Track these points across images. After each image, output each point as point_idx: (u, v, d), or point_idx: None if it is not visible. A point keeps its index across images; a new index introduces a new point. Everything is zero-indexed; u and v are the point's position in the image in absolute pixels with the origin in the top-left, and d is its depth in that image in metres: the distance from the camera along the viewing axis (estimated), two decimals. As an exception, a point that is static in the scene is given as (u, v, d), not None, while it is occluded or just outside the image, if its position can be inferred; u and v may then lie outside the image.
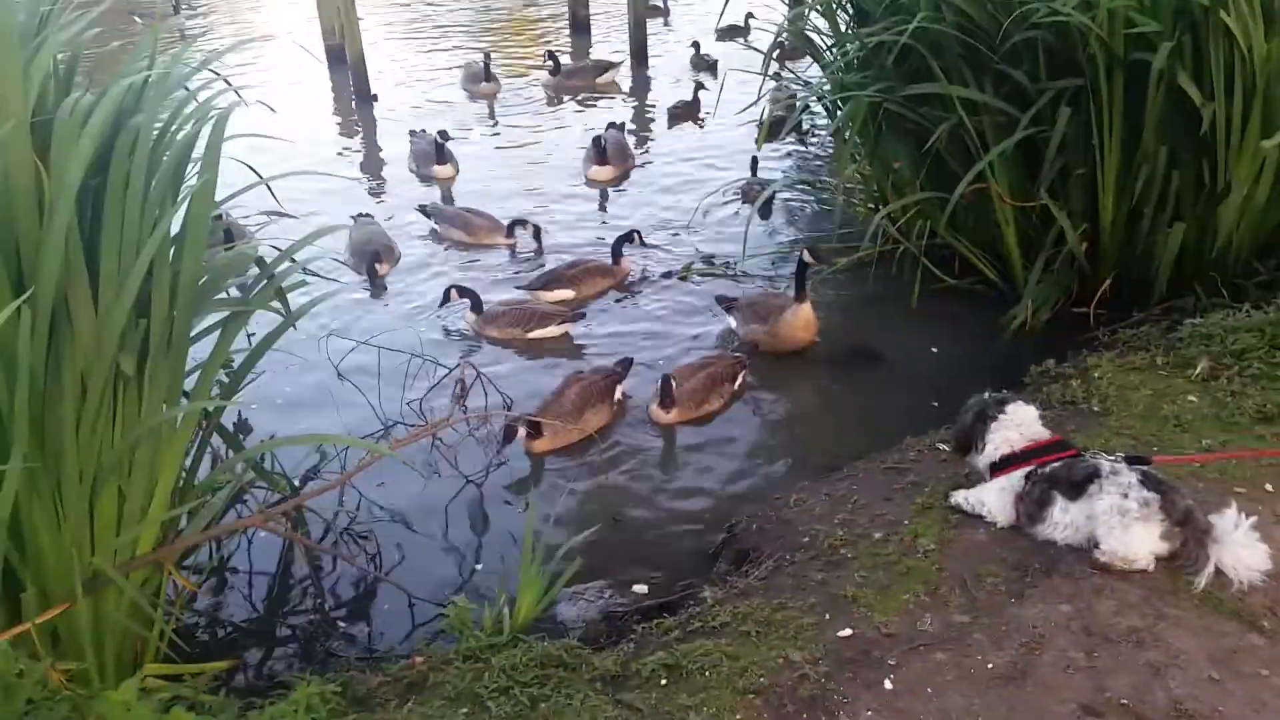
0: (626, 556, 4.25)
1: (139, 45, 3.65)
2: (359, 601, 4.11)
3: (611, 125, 9.50)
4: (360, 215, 7.57)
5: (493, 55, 12.30)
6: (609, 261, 6.93)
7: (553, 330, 6.23)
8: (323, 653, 3.80)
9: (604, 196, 8.62)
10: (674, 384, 5.17)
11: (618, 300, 6.76)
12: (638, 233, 7.18)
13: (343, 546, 4.28)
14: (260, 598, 4.14)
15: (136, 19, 14.15)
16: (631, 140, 9.57)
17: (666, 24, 14.75)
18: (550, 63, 11.90)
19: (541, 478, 4.91)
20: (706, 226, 7.73)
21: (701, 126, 10.30)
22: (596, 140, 8.81)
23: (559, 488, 4.78)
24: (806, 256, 5.72)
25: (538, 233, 7.51)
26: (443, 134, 9.04)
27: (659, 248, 7.42)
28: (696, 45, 12.48)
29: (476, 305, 6.32)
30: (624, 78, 12.25)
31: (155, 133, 3.30)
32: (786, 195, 8.18)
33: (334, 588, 4.17)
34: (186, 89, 3.58)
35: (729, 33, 12.27)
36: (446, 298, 6.37)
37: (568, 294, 6.67)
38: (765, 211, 7.82)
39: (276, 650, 3.86)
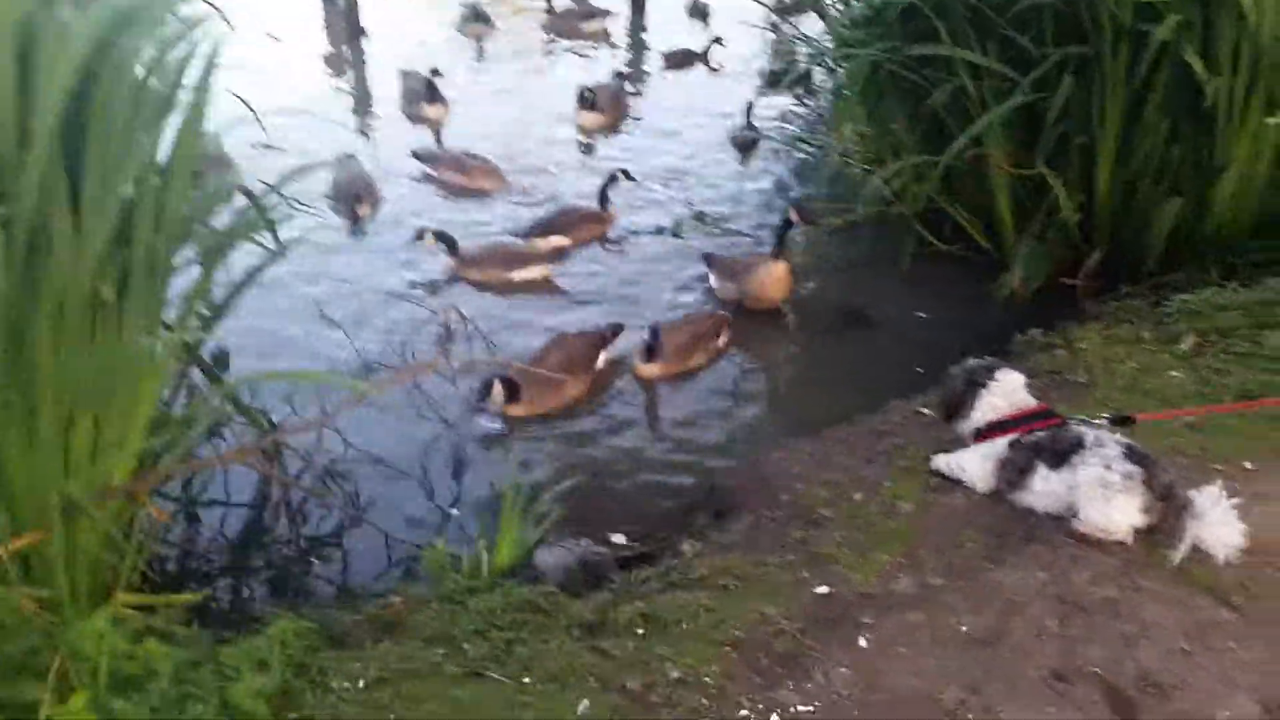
0: (605, 507, 4.25)
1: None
2: (335, 540, 4.09)
3: (617, 75, 9.38)
4: (345, 156, 7.45)
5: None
6: (596, 207, 6.87)
7: (536, 272, 6.17)
8: (297, 590, 3.80)
9: (592, 143, 8.51)
10: (658, 333, 5.10)
11: (605, 247, 6.70)
12: (624, 171, 7.07)
13: (320, 484, 4.25)
14: (234, 533, 4.12)
15: None
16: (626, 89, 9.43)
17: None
18: (548, 1, 11.71)
19: (523, 426, 4.88)
20: (700, 180, 7.65)
21: (715, 70, 10.22)
22: (584, 91, 8.67)
23: (540, 436, 4.76)
24: (793, 215, 5.67)
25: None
26: (434, 72, 8.86)
27: (652, 194, 7.35)
28: None
29: (453, 248, 6.22)
30: (616, 25, 12.02)
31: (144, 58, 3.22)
32: (780, 149, 8.10)
33: (310, 526, 4.15)
34: (175, 15, 3.49)
35: None
36: (419, 236, 6.17)
37: (563, 241, 6.61)
38: (745, 156, 7.79)
39: (250, 585, 3.86)
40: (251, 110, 3.67)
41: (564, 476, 4.39)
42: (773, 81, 8.16)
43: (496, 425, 4.86)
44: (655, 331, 5.09)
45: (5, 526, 2.92)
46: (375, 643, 3.05)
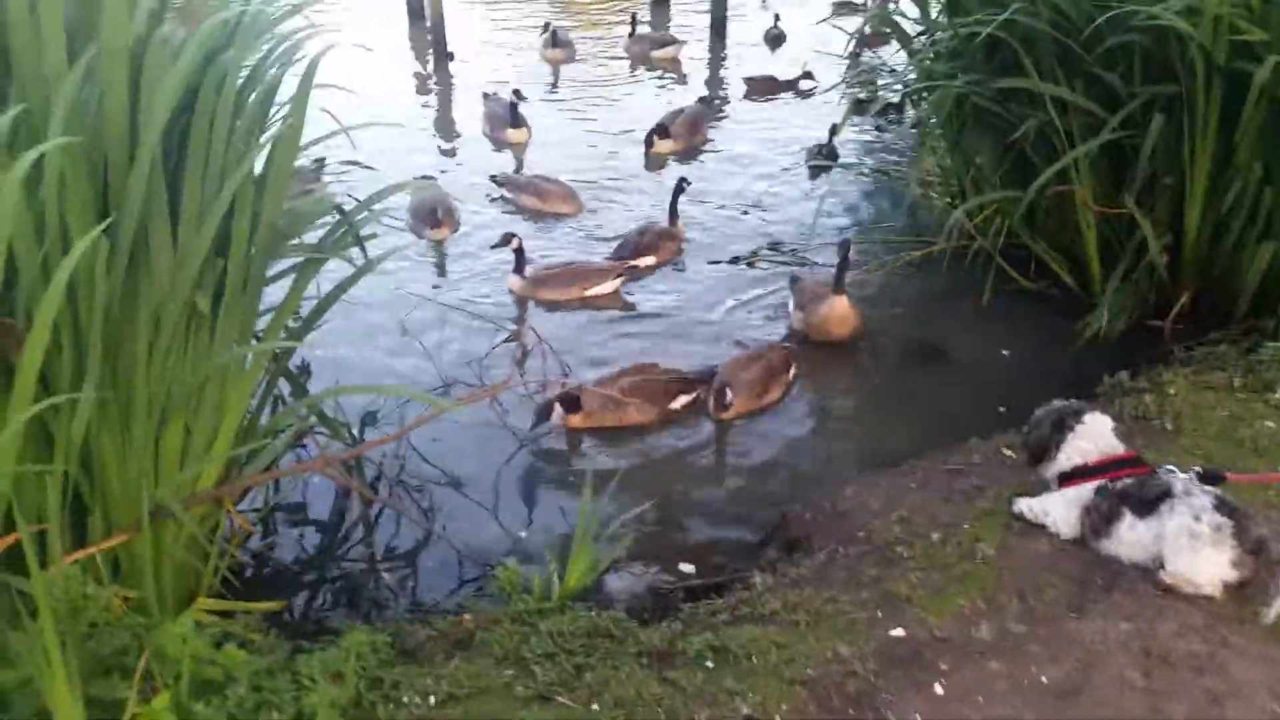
0: (674, 535, 4.24)
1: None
2: (408, 554, 4.13)
3: (700, 100, 9.45)
4: (422, 178, 7.56)
5: (571, 23, 12.31)
6: (668, 225, 7.00)
7: (608, 286, 6.25)
8: (371, 602, 3.84)
9: (664, 168, 8.55)
10: (728, 392, 4.94)
11: (676, 267, 6.76)
12: (684, 180, 7.19)
13: (397, 498, 4.30)
14: (312, 542, 4.19)
15: None
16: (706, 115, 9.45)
17: (764, 4, 14.17)
18: (631, 26, 11.98)
19: (595, 450, 4.89)
20: (777, 208, 7.63)
21: (805, 96, 10.34)
22: (657, 126, 8.76)
23: (611, 462, 4.76)
24: (851, 253, 5.64)
25: None
26: (517, 94, 9.00)
27: (729, 221, 7.41)
28: (776, 16, 12.48)
29: (519, 267, 6.26)
30: (696, 52, 12.10)
31: (244, 73, 3.32)
32: (859, 181, 8.07)
33: (384, 538, 4.20)
34: (274, 33, 3.59)
35: (843, 7, 12.31)
36: (505, 242, 6.20)
37: (650, 260, 6.72)
38: (815, 173, 7.96)
39: (325, 595, 3.91)
40: (343, 128, 3.75)
41: (635, 503, 4.39)
42: (855, 111, 8.15)
43: (571, 441, 4.88)
44: (722, 393, 4.95)
45: (99, 526, 3.00)
46: (446, 659, 3.07)
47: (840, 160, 8.45)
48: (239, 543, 3.77)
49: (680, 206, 7.09)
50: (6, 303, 2.81)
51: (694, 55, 12.06)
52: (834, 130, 8.29)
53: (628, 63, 11.67)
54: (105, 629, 2.55)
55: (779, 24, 12.44)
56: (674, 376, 5.20)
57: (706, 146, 9.06)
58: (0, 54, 2.94)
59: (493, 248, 6.28)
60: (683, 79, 11.22)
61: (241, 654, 2.73)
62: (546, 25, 11.70)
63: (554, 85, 10.87)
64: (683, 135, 8.83)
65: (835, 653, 2.99)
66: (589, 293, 6.24)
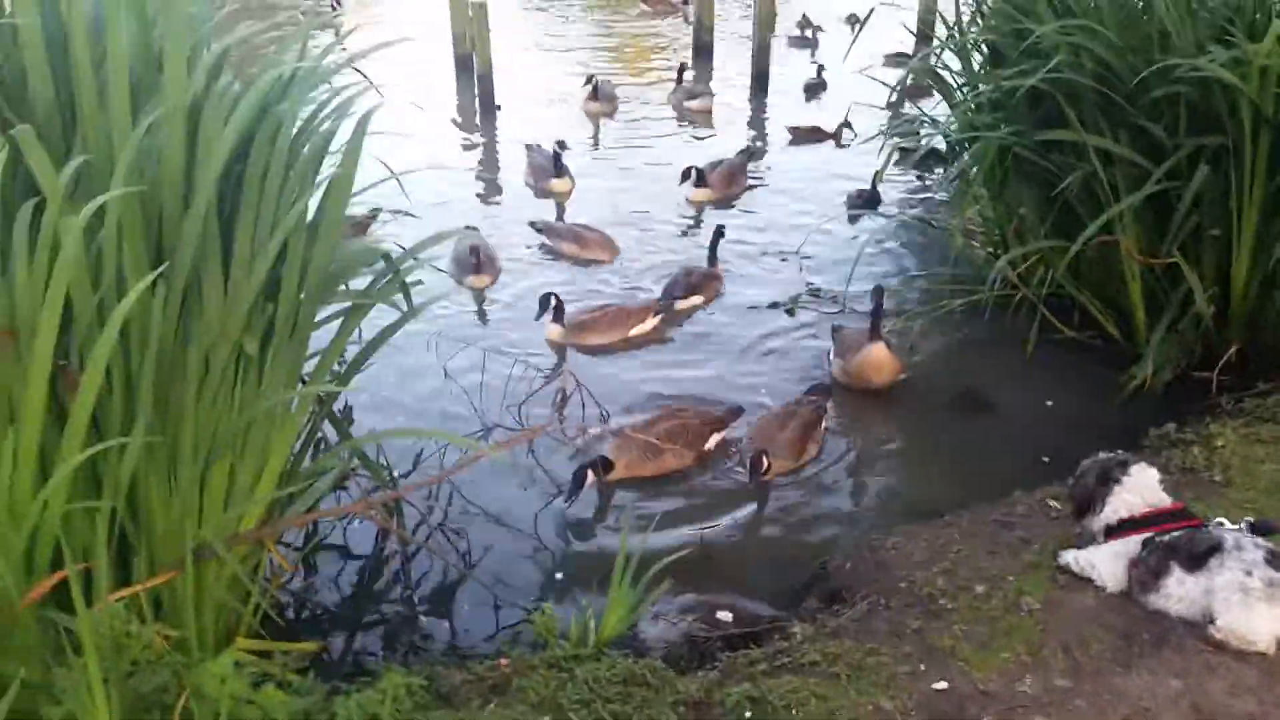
0: (711, 583, 4.20)
1: (288, 39, 3.79)
2: (444, 597, 4.14)
3: (743, 151, 9.54)
4: (466, 228, 7.65)
5: (613, 76, 12.51)
6: (708, 266, 7.17)
7: (648, 324, 6.33)
8: (407, 644, 3.85)
9: (701, 216, 8.65)
10: (765, 459, 4.81)
11: (710, 310, 6.83)
12: (721, 227, 7.40)
13: (435, 541, 4.32)
14: (349, 584, 4.21)
15: (300, 15, 14.88)
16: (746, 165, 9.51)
17: (814, 59, 14.17)
18: (677, 77, 12.26)
19: (632, 493, 4.88)
20: (816, 255, 7.65)
21: (844, 146, 10.46)
22: (691, 168, 8.85)
23: (648, 506, 4.75)
24: (885, 299, 5.64)
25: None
26: (560, 144, 9.12)
27: (769, 268, 7.48)
28: (820, 68, 12.76)
29: (559, 315, 6.32)
30: (733, 100, 12.24)
31: (298, 124, 3.41)
32: (901, 231, 8.08)
33: (421, 581, 4.22)
34: (330, 84, 3.69)
35: (894, 59, 12.57)
36: (545, 306, 6.27)
37: (698, 300, 6.90)
38: (854, 219, 8.23)
39: (362, 637, 3.92)
40: (394, 175, 3.83)
41: (670, 548, 4.37)
42: (896, 161, 8.19)
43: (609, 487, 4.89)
44: (757, 462, 4.79)
45: (143, 565, 3.04)
46: (483, 704, 3.06)
47: (881, 207, 8.48)
48: (279, 583, 3.80)
49: (720, 254, 7.26)
50: (62, 346, 2.88)
51: (734, 104, 12.19)
52: (876, 178, 8.34)
53: (672, 114, 11.81)
54: (146, 667, 2.58)
55: (822, 74, 12.64)
56: (706, 417, 5.20)
57: (748, 195, 9.12)
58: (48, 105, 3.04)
59: (537, 319, 6.34)
60: (712, 130, 11.33)
61: (280, 695, 2.74)
62: (589, 78, 11.87)
63: (595, 138, 11.02)
64: (719, 185, 8.90)
65: (877, 706, 2.96)
66: (632, 333, 6.31)
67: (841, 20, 14.97)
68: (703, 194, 8.84)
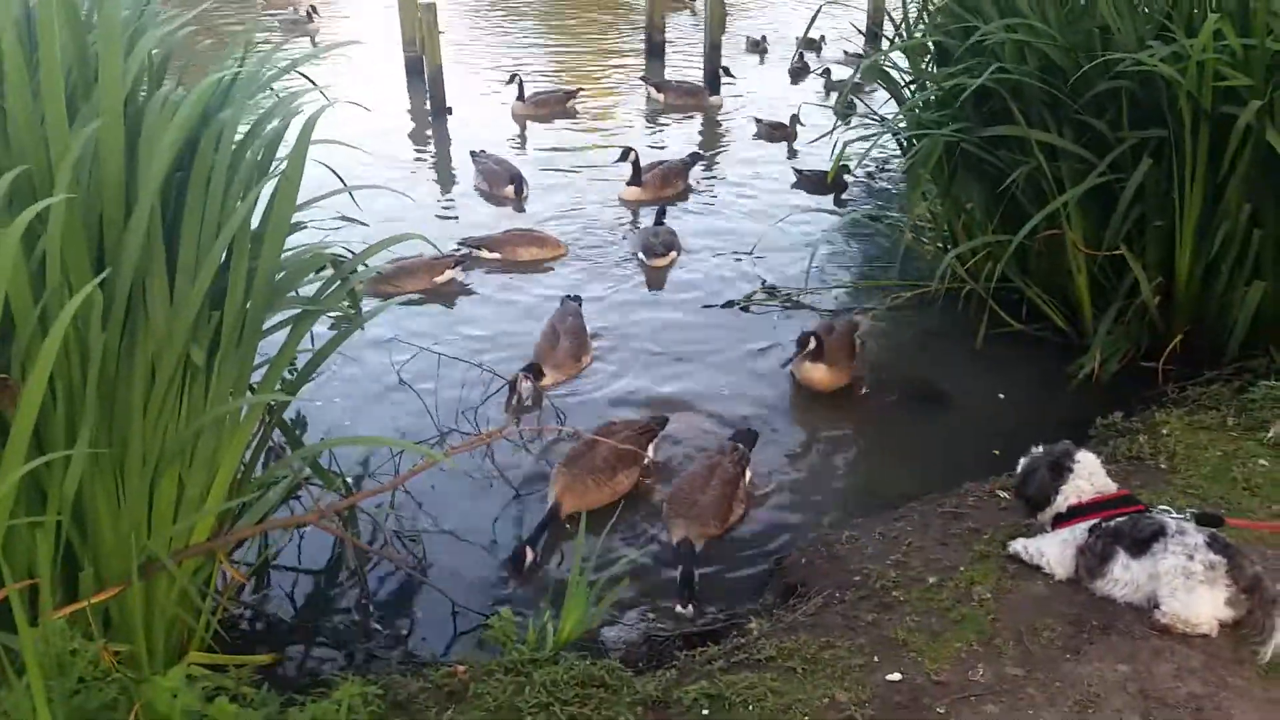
0: (669, 581, 4.21)
1: (230, 45, 3.75)
2: (401, 605, 4.11)
3: (693, 154, 9.56)
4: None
5: (568, 75, 12.53)
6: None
7: (587, 361, 6.14)
8: (364, 654, 3.81)
9: (636, 216, 8.67)
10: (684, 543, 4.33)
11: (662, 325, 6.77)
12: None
13: (391, 548, 4.29)
14: (304, 594, 4.16)
15: (276, 21, 14.80)
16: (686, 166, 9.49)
17: (762, 62, 14.68)
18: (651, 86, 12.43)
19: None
20: (771, 252, 7.69)
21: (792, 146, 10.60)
22: (630, 150, 8.93)
23: (605, 509, 4.73)
24: (808, 341, 5.59)
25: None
26: (517, 178, 9.08)
27: (724, 266, 7.54)
28: (800, 55, 13.36)
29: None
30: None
31: (242, 131, 3.37)
32: (851, 228, 8.16)
33: (378, 590, 4.18)
34: (273, 90, 3.65)
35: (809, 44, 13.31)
36: (624, 156, 6.93)
37: (675, 255, 7.60)
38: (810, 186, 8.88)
39: (318, 648, 3.87)
40: (343, 182, 3.80)
41: (631, 549, 4.39)
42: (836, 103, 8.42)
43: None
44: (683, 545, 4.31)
45: (90, 580, 2.99)
46: (439, 711, 3.05)
47: (831, 204, 8.59)
48: (231, 595, 3.75)
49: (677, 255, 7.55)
50: (2, 357, 2.83)
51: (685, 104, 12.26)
52: (829, 177, 8.40)
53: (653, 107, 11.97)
54: (93, 684, 2.53)
55: (804, 58, 13.26)
56: (638, 426, 5.02)
57: (706, 193, 9.20)
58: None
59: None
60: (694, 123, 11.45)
61: (233, 708, 2.71)
62: (512, 76, 11.83)
63: (521, 137, 11.11)
64: (654, 185, 8.94)
65: (832, 699, 2.98)
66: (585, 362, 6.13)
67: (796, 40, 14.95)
68: (634, 193, 8.88)
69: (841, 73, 12.78)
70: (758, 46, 15.07)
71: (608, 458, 4.68)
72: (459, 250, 7.29)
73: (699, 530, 4.39)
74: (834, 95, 12.21)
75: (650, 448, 5.05)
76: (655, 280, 7.36)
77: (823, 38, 14.55)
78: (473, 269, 7.46)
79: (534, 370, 5.59)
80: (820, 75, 12.92)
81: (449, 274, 7.15)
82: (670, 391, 5.80)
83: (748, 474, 4.84)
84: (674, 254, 7.57)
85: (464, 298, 7.08)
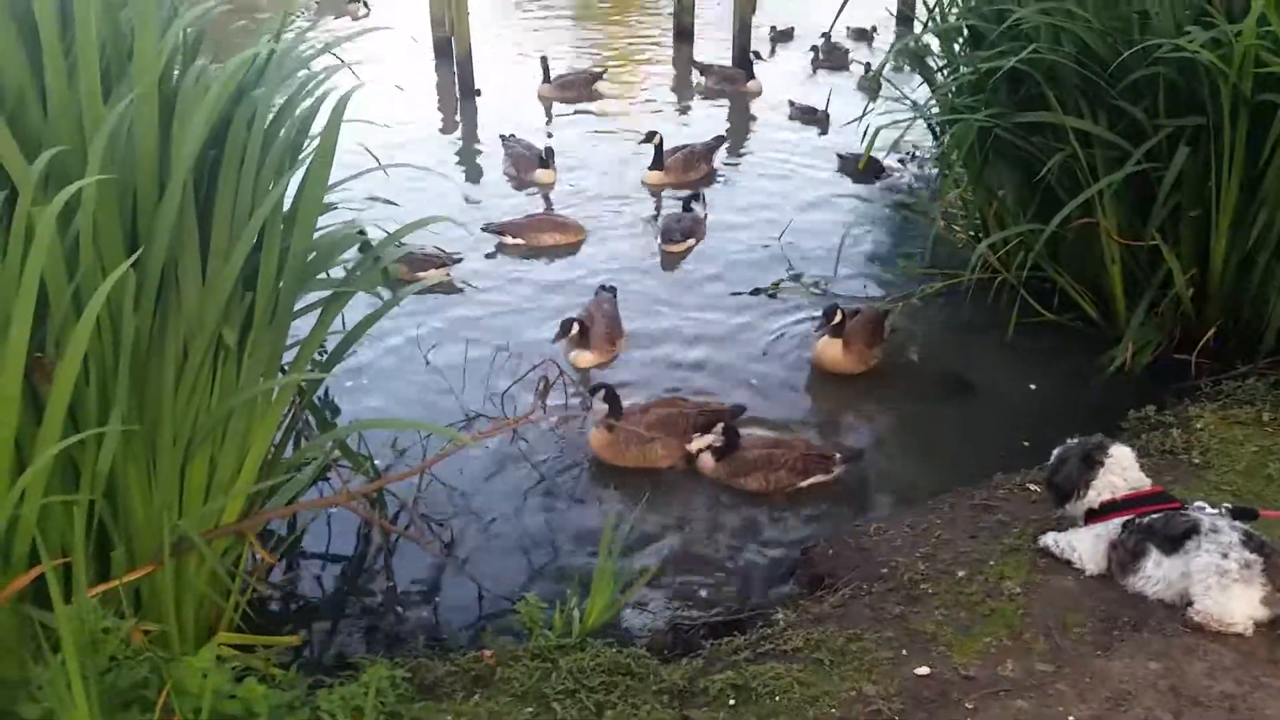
0: (694, 570, 4.20)
1: (263, 25, 3.74)
2: (428, 588, 4.12)
3: (717, 138, 9.50)
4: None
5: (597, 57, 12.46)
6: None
7: (622, 345, 6.16)
8: (390, 636, 3.83)
9: (659, 201, 8.61)
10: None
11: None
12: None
13: (418, 532, 4.31)
14: (332, 576, 4.19)
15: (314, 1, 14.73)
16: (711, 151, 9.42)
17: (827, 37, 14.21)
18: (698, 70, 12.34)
19: (616, 482, 4.87)
20: (799, 239, 7.64)
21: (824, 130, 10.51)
22: (655, 135, 8.87)
23: (632, 495, 4.73)
24: (834, 316, 5.59)
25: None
26: (548, 148, 9.05)
27: (752, 252, 7.50)
28: (826, 35, 12.94)
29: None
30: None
31: (274, 110, 3.36)
32: (882, 216, 8.09)
33: (406, 572, 4.20)
34: (309, 69, 3.64)
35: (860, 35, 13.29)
36: (565, 330, 5.86)
37: (693, 242, 7.58)
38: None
39: (345, 629, 3.90)
40: (378, 161, 3.79)
41: (657, 537, 4.38)
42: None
43: (593, 475, 4.88)
44: (731, 431, 4.84)
45: (122, 559, 3.01)
46: (466, 695, 3.05)
47: (865, 190, 8.52)
48: (260, 576, 3.77)
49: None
50: (37, 337, 2.84)
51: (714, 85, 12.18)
52: (860, 164, 8.33)
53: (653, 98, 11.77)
54: (125, 662, 2.55)
55: (830, 38, 12.86)
56: (706, 409, 5.07)
57: (735, 178, 9.15)
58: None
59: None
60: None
61: (261, 689, 2.72)
62: (543, 59, 11.77)
63: (548, 118, 11.09)
64: (676, 170, 8.89)
65: (860, 691, 2.97)
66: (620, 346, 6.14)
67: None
68: (656, 177, 8.82)
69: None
70: (785, 36, 14.80)
71: (653, 424, 4.87)
72: (455, 255, 6.98)
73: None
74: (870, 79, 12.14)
75: (705, 440, 4.90)
76: (670, 264, 7.35)
77: (874, 28, 14.26)
78: (495, 255, 7.47)
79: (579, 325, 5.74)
80: (862, 65, 12.71)
81: (435, 274, 6.69)
82: (696, 383, 5.76)
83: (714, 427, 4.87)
84: (691, 241, 7.53)
85: (488, 281, 7.06)
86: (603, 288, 6.55)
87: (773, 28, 14.74)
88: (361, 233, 3.82)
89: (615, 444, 4.87)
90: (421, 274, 6.49)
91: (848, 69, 12.81)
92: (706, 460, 4.86)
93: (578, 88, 11.72)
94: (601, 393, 4.94)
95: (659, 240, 7.56)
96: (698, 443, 4.89)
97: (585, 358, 5.87)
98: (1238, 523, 3.25)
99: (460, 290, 6.84)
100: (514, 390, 5.39)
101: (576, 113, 11.25)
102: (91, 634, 2.48)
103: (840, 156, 9.29)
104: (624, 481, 4.87)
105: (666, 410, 5.01)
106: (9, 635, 2.83)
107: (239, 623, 3.47)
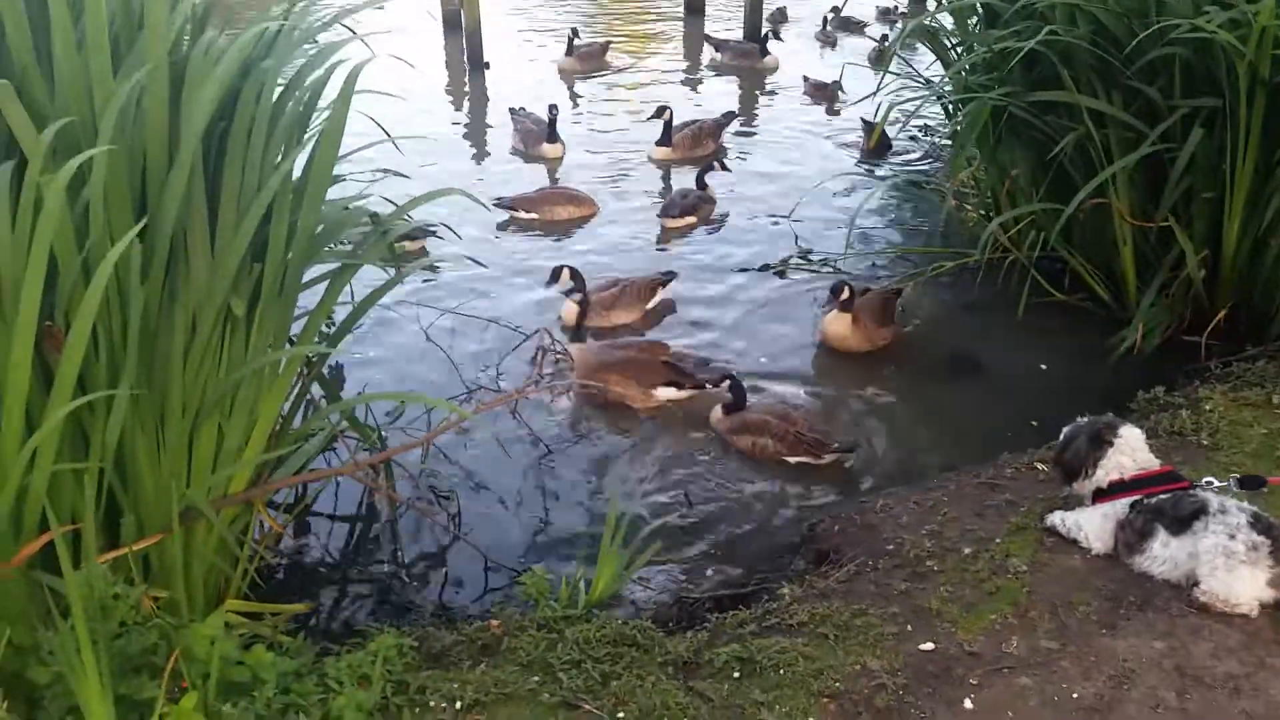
0: (700, 544, 4.22)
1: None
2: (434, 558, 4.15)
3: (727, 113, 9.45)
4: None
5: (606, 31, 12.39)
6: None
7: (661, 295, 6.28)
8: (397, 605, 3.85)
9: (668, 176, 8.61)
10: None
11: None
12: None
13: (424, 502, 4.32)
14: (339, 545, 4.21)
15: None
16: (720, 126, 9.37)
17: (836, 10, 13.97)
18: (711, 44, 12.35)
19: (622, 454, 4.88)
20: (810, 217, 7.61)
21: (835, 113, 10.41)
22: (665, 118, 8.84)
23: (637, 468, 4.75)
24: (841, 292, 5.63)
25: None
26: (553, 109, 9.00)
27: (760, 230, 7.50)
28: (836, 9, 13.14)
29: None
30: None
31: (284, 81, 3.35)
32: (893, 193, 8.05)
33: (411, 543, 4.22)
34: (316, 41, 3.63)
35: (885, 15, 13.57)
36: (555, 277, 5.98)
37: (693, 219, 7.55)
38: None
39: (352, 598, 3.92)
40: (387, 134, 3.78)
41: (662, 510, 4.39)
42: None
43: (597, 446, 4.89)
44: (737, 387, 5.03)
45: (131, 527, 3.03)
46: (473, 664, 3.07)
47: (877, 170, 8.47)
48: (268, 545, 3.79)
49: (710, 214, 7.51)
50: (46, 306, 2.84)
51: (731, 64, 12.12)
52: (871, 140, 8.30)
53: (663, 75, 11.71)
54: (134, 629, 2.57)
55: (839, 12, 13.08)
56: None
57: (745, 153, 9.12)
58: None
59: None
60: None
61: (269, 656, 2.75)
62: (575, 32, 11.75)
63: (571, 95, 11.02)
64: (682, 145, 8.88)
65: (864, 666, 2.98)
66: (652, 304, 6.25)
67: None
68: (664, 152, 8.81)
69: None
70: (781, 16, 14.54)
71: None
72: (430, 227, 6.69)
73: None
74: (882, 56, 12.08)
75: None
76: (666, 239, 7.39)
77: (897, 8, 14.29)
78: (507, 227, 7.45)
79: (571, 272, 5.91)
80: (878, 41, 12.65)
81: (409, 246, 6.63)
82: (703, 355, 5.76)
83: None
84: (692, 218, 7.51)
85: (496, 256, 7.05)
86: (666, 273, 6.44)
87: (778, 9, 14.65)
88: (375, 217, 3.82)
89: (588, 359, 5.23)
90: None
91: (862, 33, 12.97)
92: (716, 412, 5.05)
93: (594, 58, 11.76)
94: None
95: (659, 214, 7.56)
96: (664, 392, 5.21)
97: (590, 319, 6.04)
98: (1245, 504, 3.24)
99: (440, 267, 6.77)
100: (514, 363, 5.41)
101: (586, 84, 11.20)
102: (101, 600, 2.49)
103: (865, 121, 9.18)
104: (630, 450, 4.89)
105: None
106: (20, 601, 2.85)
107: (247, 590, 3.50)
